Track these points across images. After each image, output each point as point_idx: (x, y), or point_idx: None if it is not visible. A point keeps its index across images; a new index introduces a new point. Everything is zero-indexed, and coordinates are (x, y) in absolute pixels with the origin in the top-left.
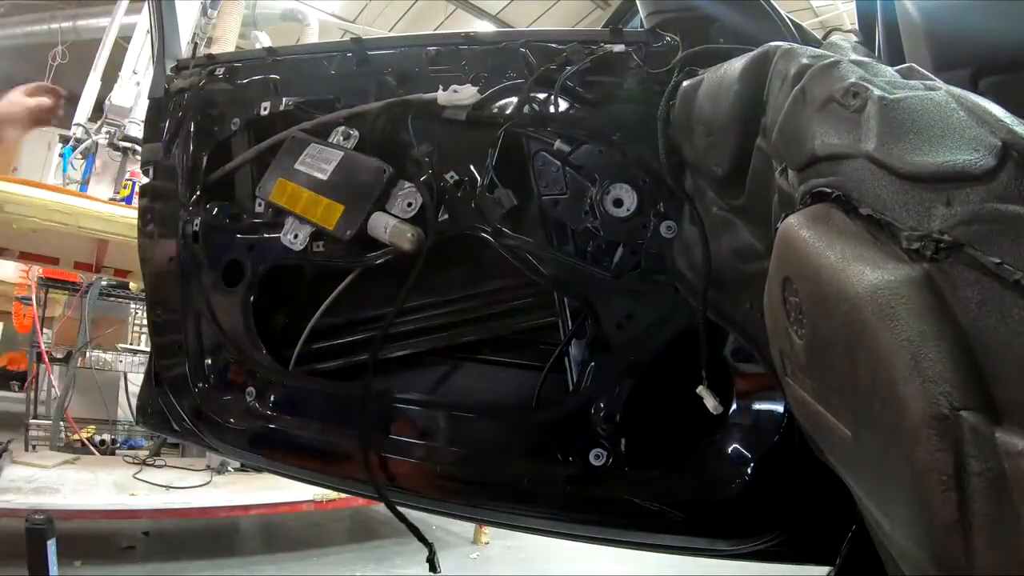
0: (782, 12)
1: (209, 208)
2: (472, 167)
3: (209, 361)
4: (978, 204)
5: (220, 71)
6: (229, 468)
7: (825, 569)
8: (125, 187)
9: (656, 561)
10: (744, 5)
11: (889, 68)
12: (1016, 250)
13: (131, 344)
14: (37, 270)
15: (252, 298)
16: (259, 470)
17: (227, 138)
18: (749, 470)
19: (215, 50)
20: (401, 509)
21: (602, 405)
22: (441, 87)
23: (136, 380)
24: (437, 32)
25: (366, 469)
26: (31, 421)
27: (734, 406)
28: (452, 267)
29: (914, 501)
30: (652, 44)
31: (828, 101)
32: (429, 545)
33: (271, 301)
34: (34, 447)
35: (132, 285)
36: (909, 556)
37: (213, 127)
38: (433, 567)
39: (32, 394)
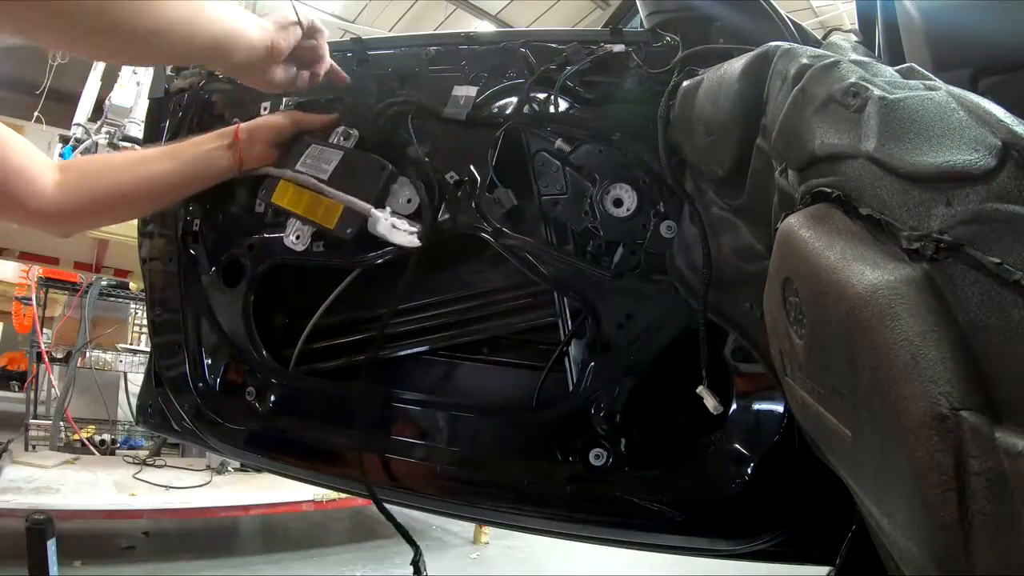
0: (782, 12)
1: (209, 208)
2: (472, 167)
3: (209, 361)
4: (978, 204)
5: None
6: (229, 468)
7: (825, 569)
8: None
9: (656, 561)
10: (744, 5)
11: (889, 68)
12: (1016, 250)
13: (131, 344)
14: (37, 270)
15: (252, 298)
16: (259, 470)
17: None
18: (749, 470)
19: None
20: (400, 510)
21: (602, 405)
22: (389, 211)
23: (136, 380)
24: (437, 32)
25: (359, 469)
26: (31, 421)
27: (734, 406)
28: (452, 267)
29: (914, 501)
30: (652, 44)
31: (828, 101)
32: (416, 548)
33: (271, 301)
34: (34, 447)
35: (132, 285)
36: (909, 556)
37: (213, 127)
38: (417, 571)
39: (32, 394)
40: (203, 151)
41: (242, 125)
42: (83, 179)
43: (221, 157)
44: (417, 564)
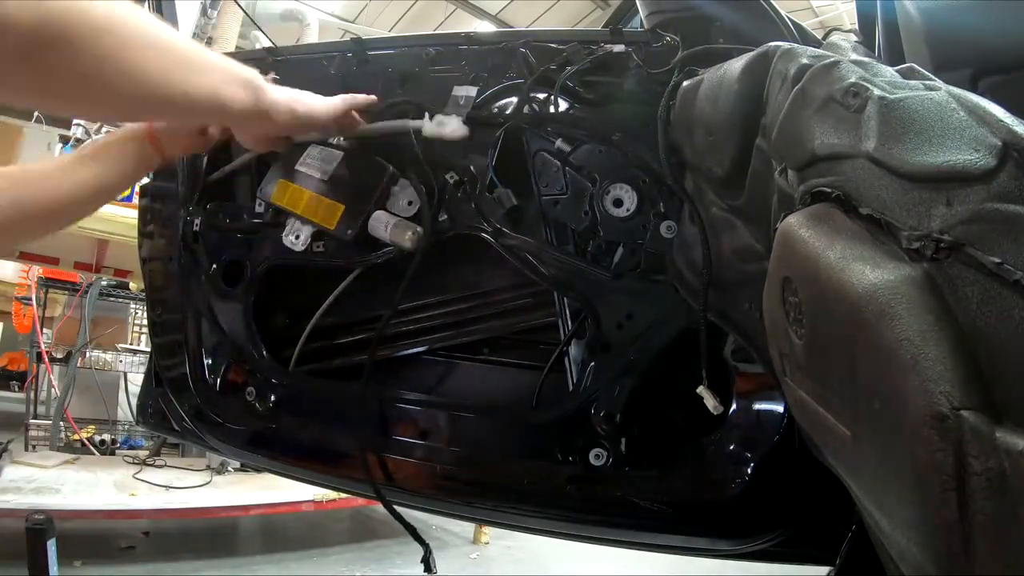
0: (782, 12)
1: (209, 208)
2: (472, 167)
3: (209, 361)
4: (978, 204)
5: None
6: (229, 468)
7: (825, 569)
8: None
9: (656, 561)
10: (744, 5)
11: (889, 68)
12: (1016, 250)
13: (131, 344)
14: (37, 270)
15: (252, 298)
16: (259, 470)
17: (228, 138)
18: (749, 470)
19: (215, 50)
20: (400, 509)
21: (602, 405)
22: (428, 115)
23: (136, 380)
24: (437, 32)
25: (364, 469)
26: (31, 421)
27: (734, 406)
28: (452, 267)
29: (914, 501)
30: (652, 44)
31: (828, 101)
32: (425, 546)
33: (272, 301)
34: (34, 447)
35: (132, 285)
36: (909, 556)
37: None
38: (428, 568)
39: (32, 394)
40: (125, 152)
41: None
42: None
43: (142, 152)
44: (428, 561)
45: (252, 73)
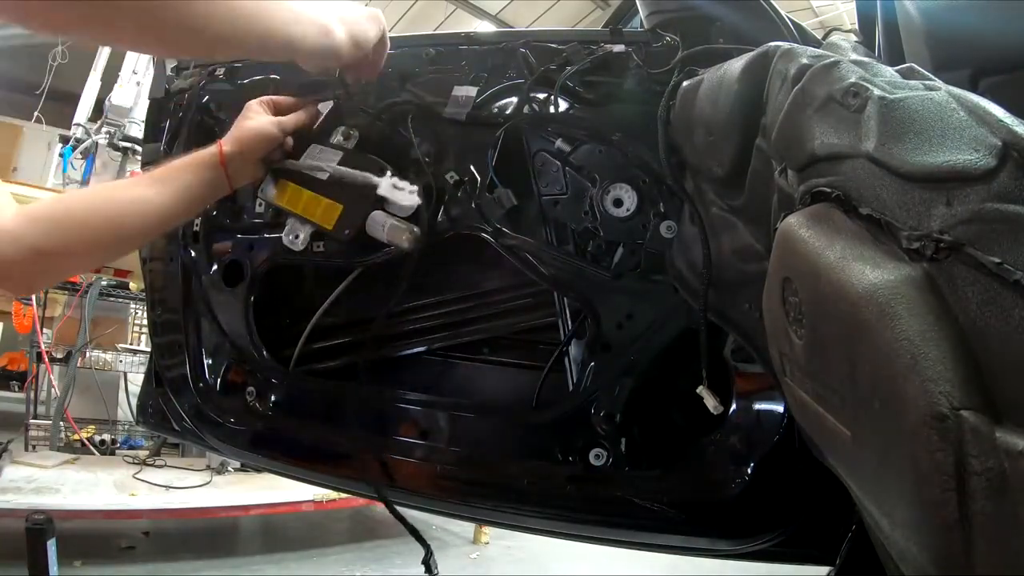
0: (782, 12)
1: (209, 208)
2: (472, 167)
3: (209, 361)
4: (978, 204)
5: (220, 71)
6: (229, 468)
7: (825, 569)
8: None
9: (656, 561)
10: (744, 5)
11: (889, 68)
12: (1016, 250)
13: (131, 344)
14: None
15: (252, 298)
16: (259, 470)
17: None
18: (749, 470)
19: None
20: (401, 510)
21: (602, 405)
22: (389, 172)
23: (136, 380)
24: (437, 32)
25: (363, 470)
26: (31, 421)
27: (734, 406)
28: (453, 267)
29: (914, 501)
30: (652, 44)
31: (828, 101)
32: (427, 547)
33: (272, 301)
34: (34, 447)
35: (132, 285)
36: (909, 557)
37: (213, 127)
38: (428, 569)
39: (32, 394)
40: (196, 177)
41: (226, 148)
42: (58, 224)
43: (213, 180)
44: (428, 563)
45: (327, 19)
